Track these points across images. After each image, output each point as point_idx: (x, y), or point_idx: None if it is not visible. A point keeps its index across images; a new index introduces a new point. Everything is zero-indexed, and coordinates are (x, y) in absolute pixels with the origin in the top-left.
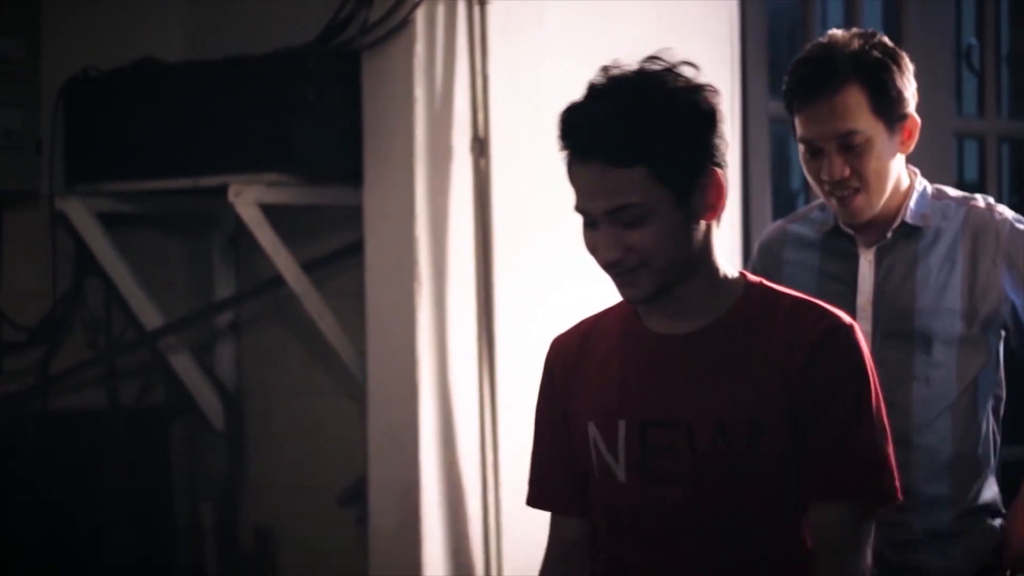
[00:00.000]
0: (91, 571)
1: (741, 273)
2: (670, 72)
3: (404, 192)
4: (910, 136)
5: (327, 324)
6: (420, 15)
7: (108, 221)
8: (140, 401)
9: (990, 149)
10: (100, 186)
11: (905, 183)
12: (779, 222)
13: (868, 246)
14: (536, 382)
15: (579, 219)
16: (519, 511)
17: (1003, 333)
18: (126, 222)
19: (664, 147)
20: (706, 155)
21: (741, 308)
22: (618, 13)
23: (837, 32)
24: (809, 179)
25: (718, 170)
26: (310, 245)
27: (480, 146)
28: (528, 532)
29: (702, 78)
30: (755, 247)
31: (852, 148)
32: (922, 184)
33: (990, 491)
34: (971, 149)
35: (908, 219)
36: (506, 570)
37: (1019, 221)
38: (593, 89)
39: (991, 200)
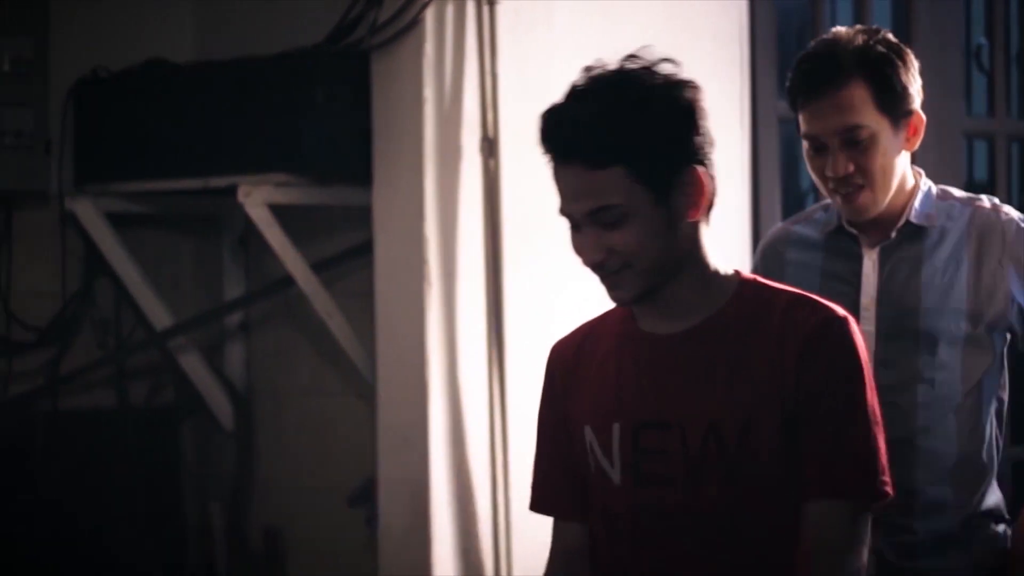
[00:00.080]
0: (101, 571)
1: (735, 271)
2: (647, 70)
3: (413, 192)
4: (915, 133)
5: (336, 324)
6: (429, 15)
7: (117, 221)
8: (150, 401)
9: (1000, 149)
10: (110, 186)
11: (910, 183)
12: (782, 224)
13: (872, 246)
14: None
15: None
16: (529, 511)
17: (1008, 336)
18: (136, 222)
19: (641, 146)
20: (685, 152)
21: (734, 306)
22: (627, 13)
23: (841, 29)
24: (813, 176)
25: (699, 167)
26: (319, 245)
27: (489, 146)
28: (538, 532)
29: (683, 74)
30: (758, 249)
31: (856, 144)
32: (927, 184)
33: (994, 496)
34: (981, 149)
35: (913, 219)
36: (516, 570)
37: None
38: (571, 90)
39: (996, 200)
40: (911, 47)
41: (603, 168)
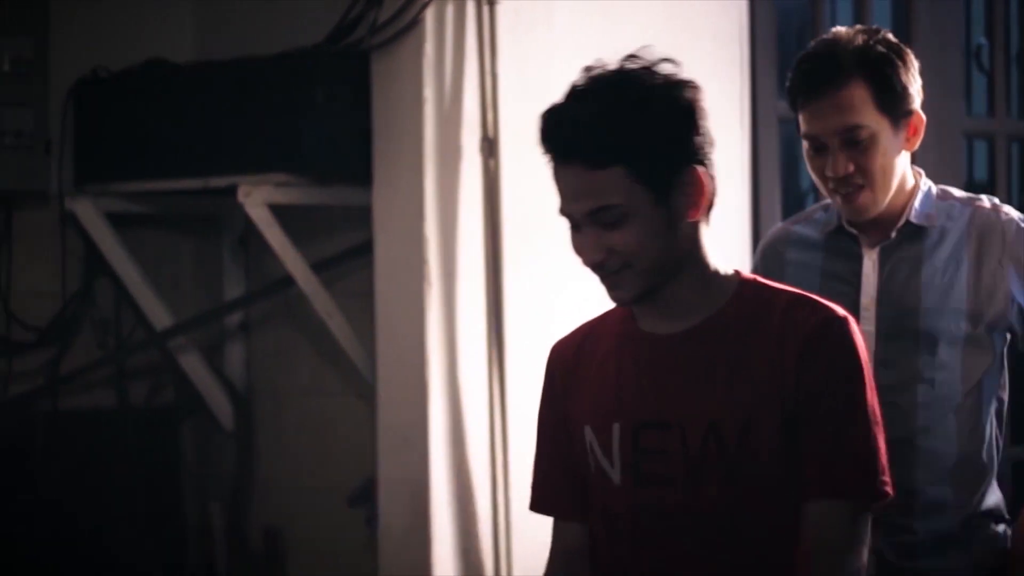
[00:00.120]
0: (101, 571)
1: (736, 271)
2: (647, 70)
3: (413, 192)
4: (915, 133)
5: (336, 324)
6: (429, 15)
7: (117, 221)
8: (150, 401)
9: (1000, 149)
10: (109, 186)
11: (910, 183)
12: (782, 224)
13: (872, 246)
14: None
15: None
16: (529, 511)
17: (1008, 336)
18: (135, 222)
19: (641, 146)
20: (685, 152)
21: (734, 306)
22: (627, 13)
23: (841, 29)
24: (813, 176)
25: (699, 167)
26: (319, 245)
27: (489, 146)
28: (538, 532)
29: (683, 74)
30: (757, 249)
31: (856, 144)
32: (927, 184)
33: (994, 496)
34: (981, 149)
35: (913, 219)
36: (516, 570)
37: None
38: (571, 90)
39: (996, 200)
40: (911, 47)
41: (603, 168)
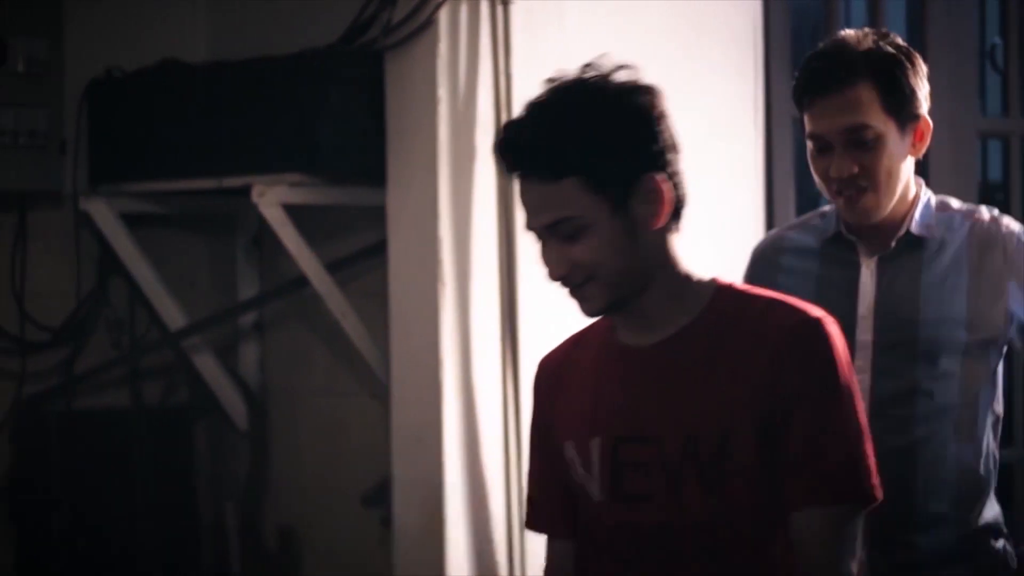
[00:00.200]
0: (115, 571)
1: (712, 278)
2: (602, 78)
3: (427, 192)
4: (922, 139)
5: (350, 324)
6: (443, 15)
7: (132, 221)
8: (164, 401)
9: (1014, 149)
10: (124, 186)
11: (912, 192)
12: (776, 230)
13: (870, 255)
14: None
15: None
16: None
17: (1005, 349)
18: (150, 222)
19: (594, 156)
20: (642, 160)
21: (710, 314)
22: (640, 13)
23: (850, 31)
24: (816, 178)
25: (658, 174)
26: (333, 245)
27: None
28: None
29: (640, 79)
30: (749, 256)
31: (862, 144)
32: (927, 194)
33: (992, 510)
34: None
35: (913, 230)
36: (529, 570)
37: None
38: (526, 105)
39: (996, 211)
40: (925, 46)
41: (558, 180)
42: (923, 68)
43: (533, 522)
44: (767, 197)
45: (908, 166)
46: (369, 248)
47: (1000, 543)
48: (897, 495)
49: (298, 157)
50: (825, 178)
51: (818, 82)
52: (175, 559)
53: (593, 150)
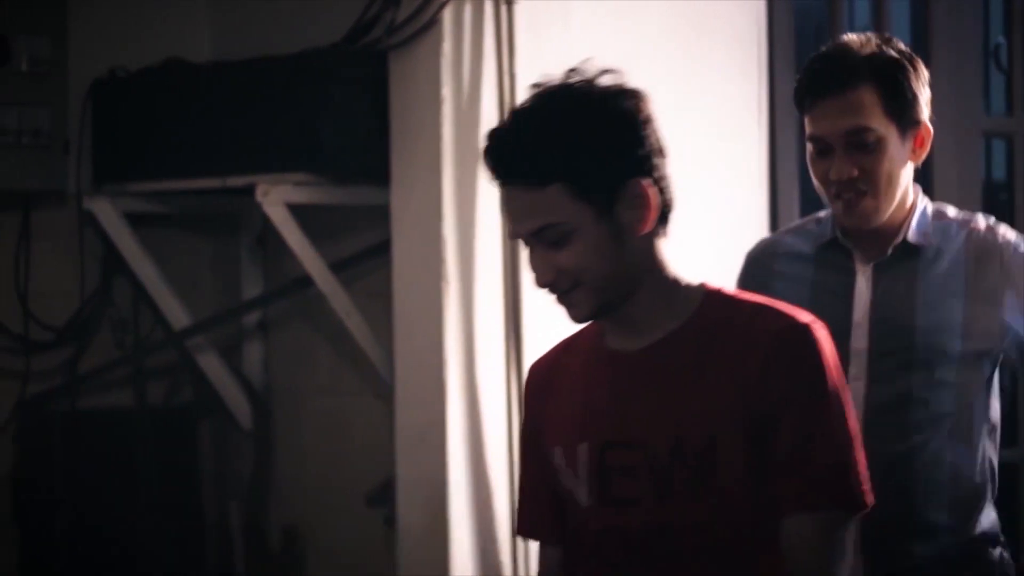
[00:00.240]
0: (119, 570)
1: (701, 283)
2: (586, 83)
3: (431, 192)
4: (922, 145)
5: (355, 324)
6: (447, 15)
7: (136, 221)
8: (168, 401)
9: (1019, 148)
10: (128, 186)
11: (910, 198)
12: (770, 235)
13: (866, 262)
14: None
15: None
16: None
17: (1001, 357)
18: (154, 222)
19: (578, 162)
20: (627, 165)
21: (698, 318)
22: (644, 12)
23: (853, 35)
24: (815, 181)
25: (644, 179)
26: (337, 245)
27: None
28: None
29: (624, 84)
30: (743, 260)
31: (863, 147)
32: (924, 202)
33: (989, 519)
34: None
35: (910, 238)
36: (533, 570)
37: (1021, 243)
38: (511, 111)
39: (991, 220)
40: (929, 46)
41: (542, 187)
42: (925, 74)
43: (523, 529)
44: (771, 198)
45: (908, 172)
46: (373, 248)
47: (997, 552)
48: (893, 503)
49: (302, 157)
50: (824, 181)
51: (820, 83)
52: (179, 559)
53: (577, 156)
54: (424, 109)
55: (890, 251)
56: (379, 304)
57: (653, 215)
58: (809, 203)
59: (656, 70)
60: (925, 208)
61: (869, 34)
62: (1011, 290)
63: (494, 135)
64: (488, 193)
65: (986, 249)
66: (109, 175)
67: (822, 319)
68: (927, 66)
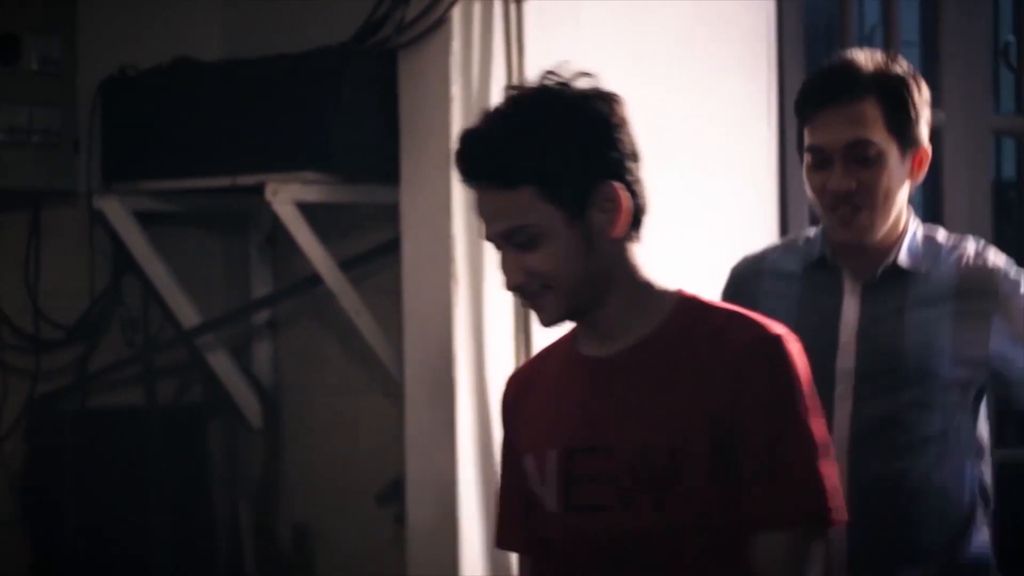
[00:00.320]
0: (128, 569)
1: (678, 290)
2: (561, 86)
3: (440, 190)
4: (920, 166)
5: (364, 322)
6: (456, 14)
7: (145, 220)
8: (178, 399)
9: None
10: (137, 185)
11: (903, 220)
12: (757, 252)
13: (854, 282)
14: None
15: None
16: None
17: (986, 381)
18: (163, 220)
19: (549, 164)
20: (599, 168)
21: (670, 325)
22: (654, 11)
23: (858, 51)
24: (810, 193)
25: (616, 182)
26: (347, 243)
27: None
28: None
29: (599, 87)
30: (727, 276)
31: (863, 160)
32: (915, 224)
33: (979, 543)
34: (1009, 147)
35: (900, 260)
36: None
37: (1010, 269)
38: (483, 112)
39: (981, 244)
40: (938, 44)
41: (513, 189)
42: (927, 95)
43: (501, 540)
44: (780, 197)
45: (904, 192)
46: (382, 246)
47: None
48: (880, 526)
49: (311, 155)
50: (820, 193)
51: (824, 94)
52: (189, 557)
53: (548, 158)
54: (433, 108)
55: (880, 272)
56: (389, 303)
57: (625, 219)
58: None
59: (665, 69)
60: (916, 231)
61: (875, 50)
62: (999, 317)
63: (465, 136)
64: None
65: (976, 275)
66: (119, 174)
67: (808, 339)
68: (937, 63)
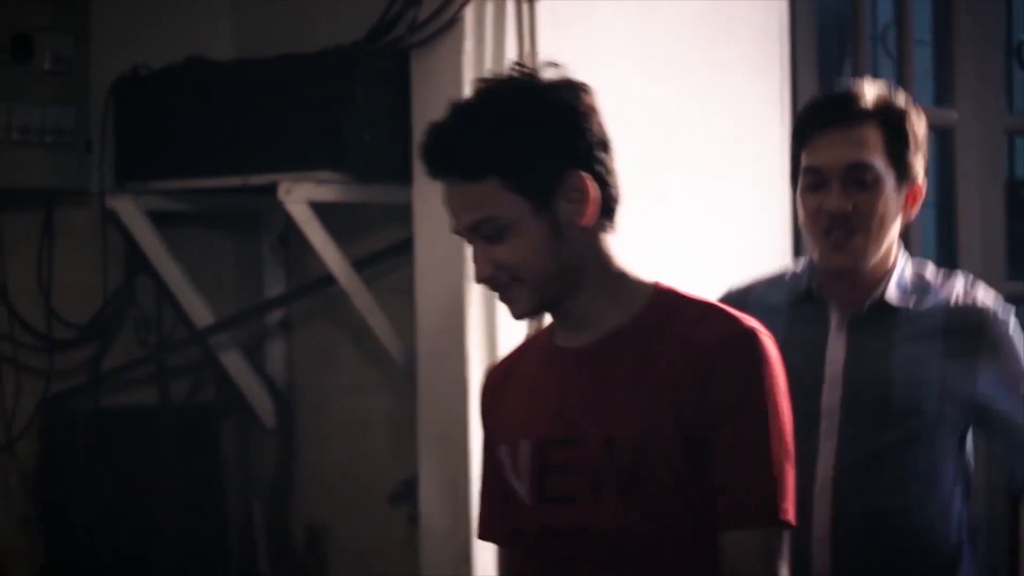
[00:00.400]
0: (143, 569)
1: (654, 282)
2: (527, 76)
3: None
4: (914, 202)
5: (377, 322)
6: (469, 13)
7: (158, 219)
8: (191, 399)
9: None
10: (150, 184)
11: (893, 255)
12: (742, 284)
13: (841, 316)
14: None
15: (626, 213)
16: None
17: (969, 420)
18: (176, 220)
19: (513, 155)
20: (564, 157)
21: (642, 317)
22: (666, 10)
23: (860, 81)
24: (803, 217)
25: (583, 172)
26: (360, 243)
27: None
28: None
29: (569, 77)
30: None
31: (861, 184)
32: (905, 259)
33: None
34: (1022, 146)
35: (887, 296)
36: None
37: (999, 308)
38: (449, 105)
39: (970, 282)
40: (951, 43)
41: (478, 180)
42: (925, 131)
43: (483, 532)
44: (792, 199)
45: (897, 225)
46: (395, 246)
47: None
48: (865, 563)
49: (324, 155)
50: (814, 215)
51: (826, 116)
52: (202, 557)
53: (512, 148)
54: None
55: (867, 307)
56: (401, 302)
57: (593, 209)
58: None
59: (677, 68)
60: (905, 267)
61: (878, 81)
62: (987, 357)
63: (431, 130)
64: None
65: (965, 313)
66: (131, 173)
67: (793, 374)
68: (950, 62)
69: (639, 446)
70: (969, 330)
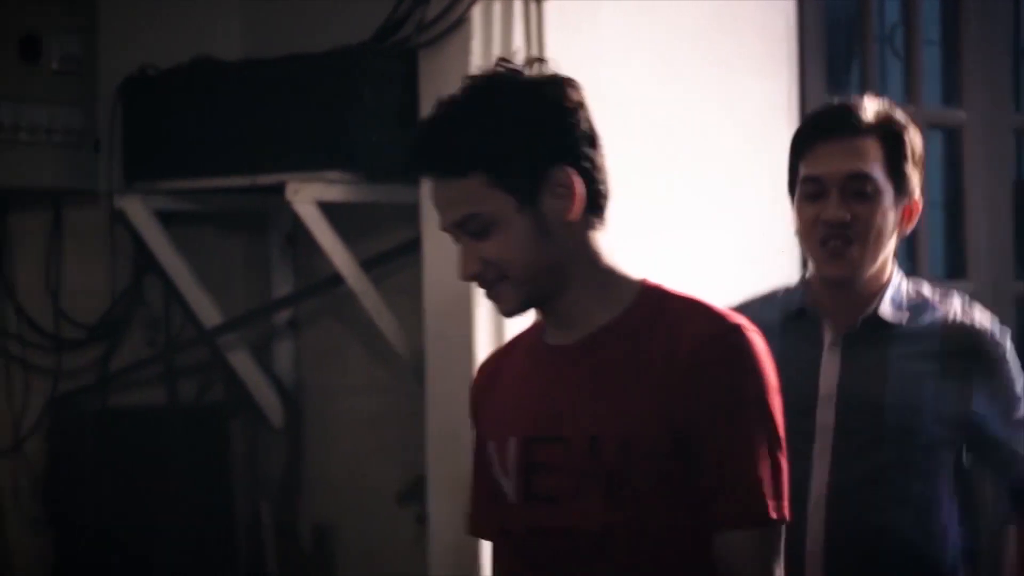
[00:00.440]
0: (151, 568)
1: (642, 279)
2: (512, 72)
3: None
4: (910, 218)
5: (385, 321)
6: (476, 13)
7: (166, 219)
8: (199, 399)
9: None
10: (158, 184)
11: (888, 270)
12: (737, 303)
13: (835, 333)
14: None
15: (634, 214)
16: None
17: (964, 440)
18: (184, 220)
19: (496, 150)
20: (549, 152)
21: (630, 315)
22: (673, 11)
23: (860, 97)
24: (799, 227)
25: (569, 167)
26: (368, 243)
27: None
28: None
29: (556, 72)
30: None
31: (860, 194)
32: (900, 277)
33: None
34: None
35: (882, 312)
36: None
37: (995, 328)
38: (436, 102)
39: (966, 301)
40: (959, 43)
41: (462, 177)
42: (922, 147)
43: (473, 528)
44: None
45: (893, 240)
46: (403, 245)
47: None
48: None
49: (332, 155)
50: (812, 225)
51: (827, 127)
52: (210, 557)
53: (496, 144)
54: None
55: (861, 323)
56: (409, 302)
57: (579, 204)
58: None
59: (684, 68)
60: (901, 283)
61: (879, 98)
62: (982, 378)
63: (417, 128)
64: None
65: (961, 334)
66: (140, 173)
67: (787, 392)
68: (958, 62)
69: (624, 445)
70: (964, 351)
